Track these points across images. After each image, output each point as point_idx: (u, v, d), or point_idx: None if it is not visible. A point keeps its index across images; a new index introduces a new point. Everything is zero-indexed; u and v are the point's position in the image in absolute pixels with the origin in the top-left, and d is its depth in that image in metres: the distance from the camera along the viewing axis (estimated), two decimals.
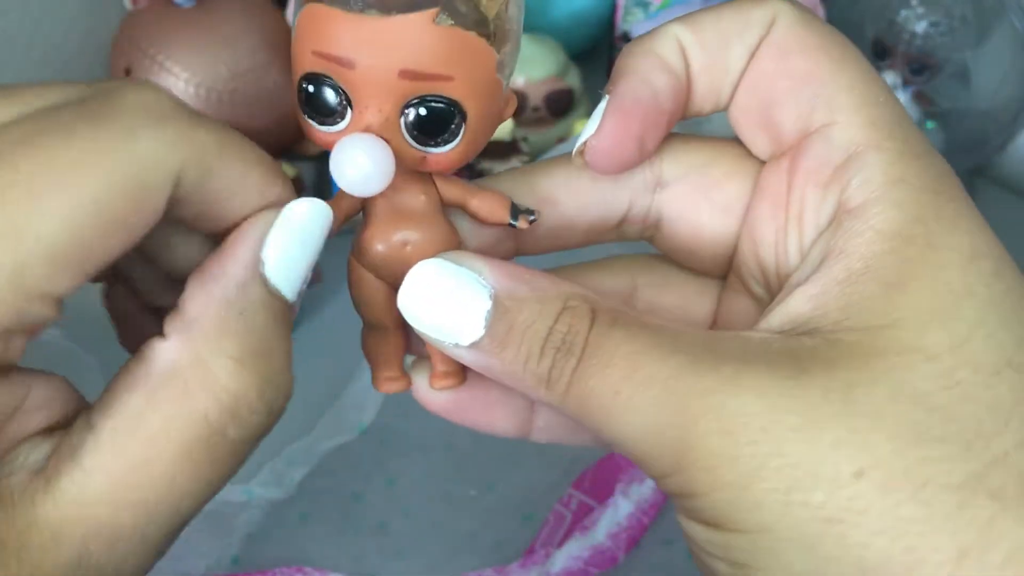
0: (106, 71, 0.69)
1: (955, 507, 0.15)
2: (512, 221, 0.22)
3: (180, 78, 0.61)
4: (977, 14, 0.64)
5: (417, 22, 0.18)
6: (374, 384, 0.24)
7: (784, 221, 0.21)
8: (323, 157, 0.70)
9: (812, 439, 0.16)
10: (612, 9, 0.78)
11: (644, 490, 0.48)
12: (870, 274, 0.18)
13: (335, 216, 0.21)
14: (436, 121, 0.19)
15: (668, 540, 0.49)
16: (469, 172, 0.62)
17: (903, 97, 0.65)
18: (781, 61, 0.21)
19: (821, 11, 0.60)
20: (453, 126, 0.20)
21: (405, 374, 0.24)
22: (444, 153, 0.20)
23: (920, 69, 0.64)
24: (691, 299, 0.25)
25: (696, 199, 0.23)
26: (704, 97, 0.22)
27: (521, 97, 0.67)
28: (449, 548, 0.49)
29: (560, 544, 0.48)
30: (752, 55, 0.21)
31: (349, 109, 0.20)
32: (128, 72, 0.63)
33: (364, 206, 0.22)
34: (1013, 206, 0.73)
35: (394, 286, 0.21)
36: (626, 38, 0.78)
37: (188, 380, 0.18)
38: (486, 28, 0.19)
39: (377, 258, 0.21)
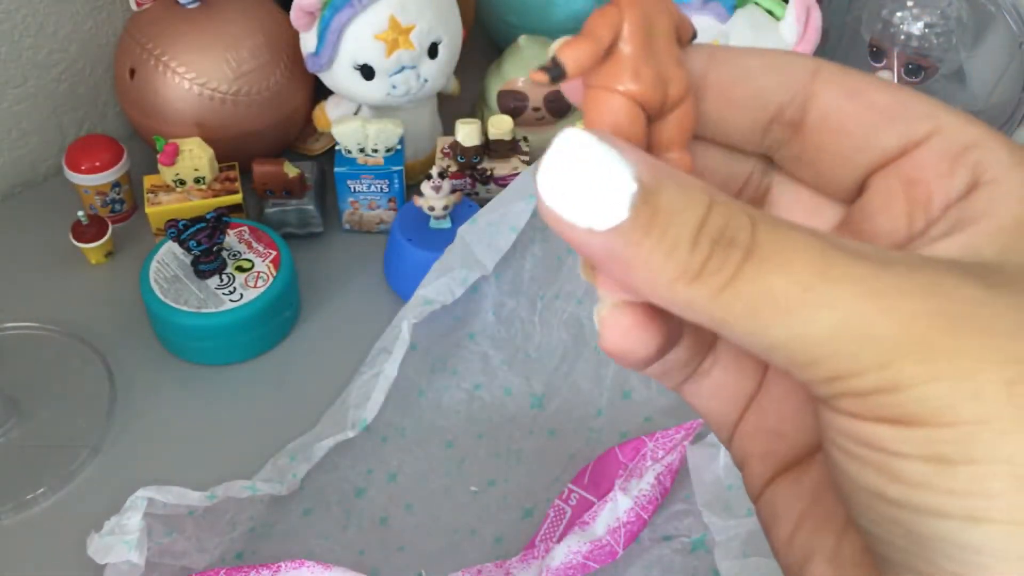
0: (111, 71, 0.70)
1: None
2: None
3: (184, 78, 0.62)
4: (972, 15, 0.65)
5: None
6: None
7: (906, 206, 0.21)
8: (325, 157, 0.70)
9: None
10: None
11: (643, 486, 0.48)
12: (1021, 230, 0.19)
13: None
14: None
15: (667, 536, 0.49)
16: (474, 171, 0.63)
17: None
18: (855, 98, 0.21)
19: (818, 13, 0.61)
20: None
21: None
22: None
23: (916, 70, 0.65)
24: (820, 206, 0.23)
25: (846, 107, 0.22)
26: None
27: (521, 97, 0.68)
28: (450, 543, 0.50)
29: (560, 539, 0.49)
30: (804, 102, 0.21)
31: None
32: (132, 72, 0.64)
33: None
34: None
35: None
36: None
37: None
38: None
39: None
